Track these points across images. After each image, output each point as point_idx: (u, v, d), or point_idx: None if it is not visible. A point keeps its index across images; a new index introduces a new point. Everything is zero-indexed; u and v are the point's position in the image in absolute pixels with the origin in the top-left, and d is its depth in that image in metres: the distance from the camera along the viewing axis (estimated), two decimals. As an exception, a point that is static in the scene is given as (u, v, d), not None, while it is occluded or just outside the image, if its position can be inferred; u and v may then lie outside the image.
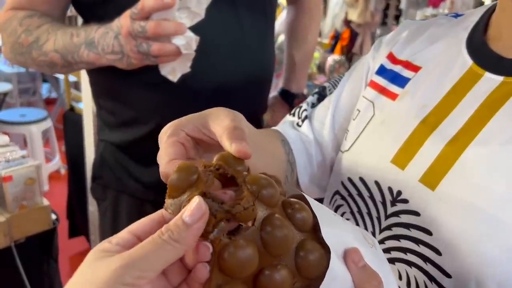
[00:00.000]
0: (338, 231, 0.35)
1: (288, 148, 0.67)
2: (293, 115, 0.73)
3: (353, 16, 3.50)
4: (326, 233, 0.32)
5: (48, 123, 3.36)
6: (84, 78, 2.24)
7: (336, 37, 3.74)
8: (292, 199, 0.34)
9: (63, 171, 3.52)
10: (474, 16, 0.57)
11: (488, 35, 0.53)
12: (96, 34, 0.81)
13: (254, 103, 1.04)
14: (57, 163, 3.51)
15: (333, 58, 3.34)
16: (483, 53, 0.52)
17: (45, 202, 1.45)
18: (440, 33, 0.60)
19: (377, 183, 0.54)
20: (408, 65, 0.60)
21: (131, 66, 0.80)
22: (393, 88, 0.59)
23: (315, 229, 0.34)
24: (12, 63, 0.91)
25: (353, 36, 3.63)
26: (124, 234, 0.32)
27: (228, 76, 0.93)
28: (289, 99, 1.24)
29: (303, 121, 0.70)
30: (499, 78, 0.48)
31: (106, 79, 0.96)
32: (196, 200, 0.31)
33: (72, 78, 2.73)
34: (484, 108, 0.48)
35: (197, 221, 0.31)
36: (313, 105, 0.71)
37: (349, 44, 3.65)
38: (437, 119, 0.51)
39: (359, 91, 0.65)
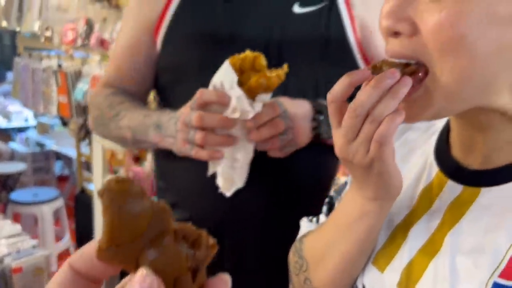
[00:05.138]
0: None
1: None
2: (310, 221, 0.74)
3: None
4: None
5: (60, 203, 3.43)
6: (95, 159, 2.33)
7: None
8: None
9: (73, 250, 3.54)
10: (440, 122, 0.61)
11: (450, 142, 0.57)
12: (164, 117, 0.89)
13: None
14: (67, 242, 3.54)
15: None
16: (446, 160, 0.56)
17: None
18: (414, 137, 0.63)
19: (364, 286, 0.57)
20: None
21: (178, 152, 0.86)
22: None
23: None
24: (94, 133, 1.10)
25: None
26: None
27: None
28: None
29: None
30: (460, 187, 0.52)
31: (162, 159, 1.05)
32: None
33: (83, 159, 2.84)
34: (450, 216, 0.51)
35: None
36: (327, 215, 0.73)
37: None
38: (410, 224, 0.55)
39: None
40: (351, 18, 0.97)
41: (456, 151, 0.55)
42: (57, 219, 3.58)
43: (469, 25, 0.42)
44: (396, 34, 0.47)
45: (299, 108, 0.85)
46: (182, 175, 0.99)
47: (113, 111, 0.97)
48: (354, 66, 0.97)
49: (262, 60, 0.78)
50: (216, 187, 0.90)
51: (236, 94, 0.76)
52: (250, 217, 0.95)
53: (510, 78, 0.46)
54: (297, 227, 0.75)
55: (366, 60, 0.99)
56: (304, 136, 0.85)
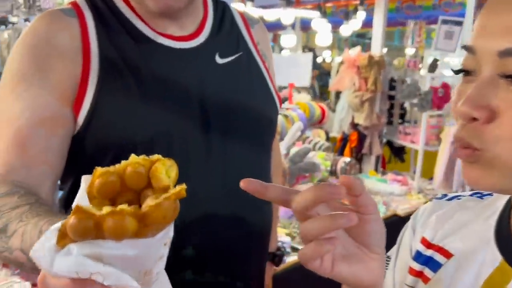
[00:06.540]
0: None
1: None
2: None
3: (360, 119, 3.60)
4: None
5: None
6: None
7: (345, 140, 3.82)
8: None
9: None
10: (501, 200, 0.56)
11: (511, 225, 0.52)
12: None
13: (256, 260, 1.00)
14: None
15: (344, 160, 3.39)
16: (510, 247, 0.51)
17: None
18: (468, 219, 0.59)
19: None
20: (440, 249, 0.59)
21: None
22: (427, 271, 0.59)
23: None
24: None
25: (361, 137, 3.71)
26: None
27: (225, 232, 0.89)
28: (274, 259, 1.21)
29: None
30: None
31: None
32: None
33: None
34: None
35: None
36: None
37: (358, 146, 3.72)
38: None
39: (404, 279, 0.64)
40: (266, 68, 1.01)
41: None
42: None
43: None
44: (473, 119, 0.45)
45: None
46: None
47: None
48: (275, 119, 1.02)
49: (161, 169, 0.40)
50: None
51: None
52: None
53: None
54: None
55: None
56: None
